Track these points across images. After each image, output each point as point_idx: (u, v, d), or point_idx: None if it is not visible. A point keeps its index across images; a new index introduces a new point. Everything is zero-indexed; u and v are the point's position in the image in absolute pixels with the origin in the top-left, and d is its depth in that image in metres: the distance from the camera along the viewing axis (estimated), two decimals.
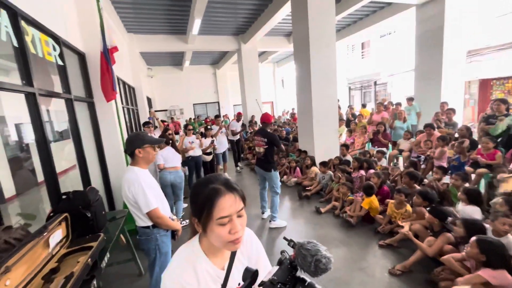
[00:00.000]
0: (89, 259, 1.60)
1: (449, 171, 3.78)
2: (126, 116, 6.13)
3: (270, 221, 3.63)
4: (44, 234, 1.53)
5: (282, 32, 9.39)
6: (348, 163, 4.69)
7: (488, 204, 2.80)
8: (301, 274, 0.64)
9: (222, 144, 5.90)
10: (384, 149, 5.25)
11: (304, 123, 5.61)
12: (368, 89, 13.73)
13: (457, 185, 3.12)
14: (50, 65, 2.78)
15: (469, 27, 7.15)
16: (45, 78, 2.67)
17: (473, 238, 1.92)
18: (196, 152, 4.97)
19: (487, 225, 2.22)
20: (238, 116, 6.97)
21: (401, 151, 5.09)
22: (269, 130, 3.68)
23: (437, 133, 4.52)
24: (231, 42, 9.25)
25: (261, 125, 3.74)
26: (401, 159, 5.20)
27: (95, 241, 1.80)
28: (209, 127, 5.81)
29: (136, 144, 1.72)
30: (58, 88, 2.88)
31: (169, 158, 3.57)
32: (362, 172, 4.14)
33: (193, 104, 14.73)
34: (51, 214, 1.85)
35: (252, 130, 8.48)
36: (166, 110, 13.67)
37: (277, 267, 0.66)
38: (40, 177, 2.40)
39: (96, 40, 3.40)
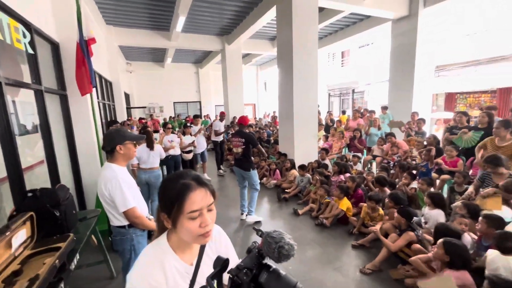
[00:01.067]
0: (57, 261, 1.51)
1: (417, 177, 4.05)
2: (102, 111, 5.85)
3: (246, 215, 3.72)
4: (6, 234, 1.42)
5: (267, 36, 9.51)
6: (326, 167, 4.84)
7: (450, 207, 3.04)
8: (268, 261, 0.67)
9: (201, 144, 5.81)
10: (359, 154, 5.50)
11: (285, 126, 5.72)
12: (346, 96, 14.29)
13: (423, 189, 3.36)
14: (19, 53, 2.59)
15: (438, 44, 7.73)
16: (13, 66, 2.49)
17: (440, 240, 2.05)
18: (176, 151, 4.87)
19: None
20: (221, 116, 6.78)
21: (375, 157, 5.36)
22: (247, 131, 3.77)
23: (399, 141, 4.87)
24: (215, 42, 9.19)
25: (238, 127, 3.82)
26: (374, 164, 5.47)
27: (64, 241, 1.70)
28: (188, 124, 5.71)
29: (117, 140, 1.66)
30: (27, 78, 2.69)
31: (143, 158, 3.41)
32: (342, 177, 4.30)
33: (174, 102, 14.40)
34: (14, 213, 1.72)
35: (233, 131, 8.46)
36: (145, 107, 13.22)
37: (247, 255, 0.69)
38: (2, 173, 2.22)
39: (72, 30, 3.23)
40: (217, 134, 6.46)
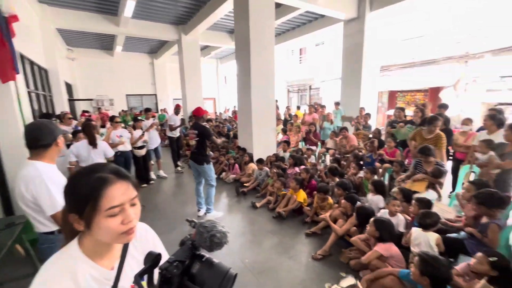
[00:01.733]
0: None
1: (364, 167, 4.43)
2: (36, 103, 5.10)
3: (205, 214, 3.62)
4: None
5: (225, 28, 9.33)
6: (283, 160, 4.99)
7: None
8: (201, 252, 0.65)
9: (154, 140, 5.42)
10: (314, 147, 5.79)
11: (244, 121, 5.72)
12: (304, 92, 14.91)
13: (368, 177, 3.69)
14: None
15: (382, 46, 8.50)
16: None
17: (372, 219, 2.34)
18: (127, 146, 4.50)
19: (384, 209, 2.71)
20: (176, 109, 6.31)
21: (328, 149, 5.71)
22: (203, 124, 3.68)
23: (350, 135, 5.29)
24: (170, 31, 8.68)
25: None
26: (328, 156, 5.83)
27: None
28: (139, 118, 5.32)
29: (56, 132, 1.48)
30: None
31: (83, 156, 3.01)
32: (297, 169, 4.48)
33: (127, 95, 13.29)
34: None
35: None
36: (91, 100, 11.93)
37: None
38: None
39: None
40: (172, 128, 6.02)
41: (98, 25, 7.43)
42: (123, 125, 5.20)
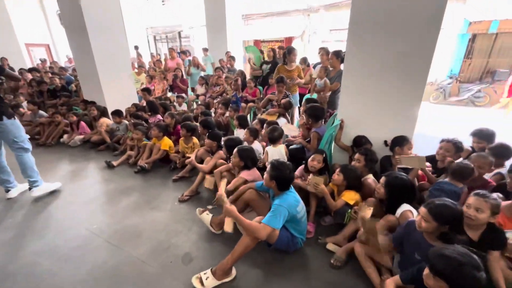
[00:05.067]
0: None
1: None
2: None
3: (30, 189, 2.61)
4: None
5: None
6: (145, 110, 4.30)
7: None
8: None
9: None
10: (184, 95, 5.34)
11: (84, 68, 4.40)
12: (174, 41, 13.40)
13: (232, 115, 3.73)
14: None
15: None
16: None
17: (235, 149, 2.29)
18: None
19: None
20: None
21: (198, 96, 5.42)
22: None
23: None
24: None
25: None
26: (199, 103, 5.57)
27: None
28: None
29: None
30: None
31: None
32: (159, 116, 3.95)
33: None
34: None
35: None
36: None
37: None
38: None
39: None
40: None
41: None
42: None
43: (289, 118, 3.62)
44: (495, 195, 1.38)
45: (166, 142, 3.32)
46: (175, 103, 4.95)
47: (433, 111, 6.15)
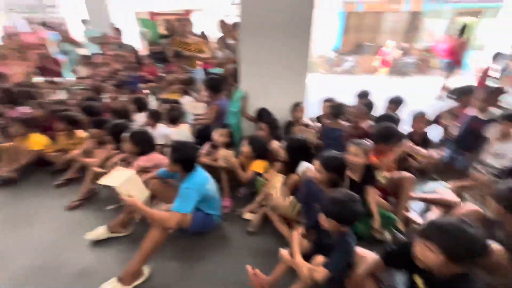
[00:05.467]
0: None
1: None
2: None
3: None
4: None
5: None
6: None
7: None
8: None
9: None
10: (55, 79, 4.23)
11: None
12: (40, 14, 10.27)
13: (129, 99, 3.23)
14: None
15: None
16: None
17: (127, 135, 1.97)
18: None
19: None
20: None
21: (81, 78, 4.41)
22: None
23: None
24: None
25: None
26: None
27: None
28: None
29: None
30: None
31: None
32: (22, 108, 3.00)
33: None
34: None
35: None
36: None
37: None
38: None
39: None
40: None
41: None
42: None
43: (195, 95, 3.39)
44: (365, 141, 1.68)
45: (36, 140, 2.57)
46: (49, 91, 3.86)
47: (325, 81, 7.08)
